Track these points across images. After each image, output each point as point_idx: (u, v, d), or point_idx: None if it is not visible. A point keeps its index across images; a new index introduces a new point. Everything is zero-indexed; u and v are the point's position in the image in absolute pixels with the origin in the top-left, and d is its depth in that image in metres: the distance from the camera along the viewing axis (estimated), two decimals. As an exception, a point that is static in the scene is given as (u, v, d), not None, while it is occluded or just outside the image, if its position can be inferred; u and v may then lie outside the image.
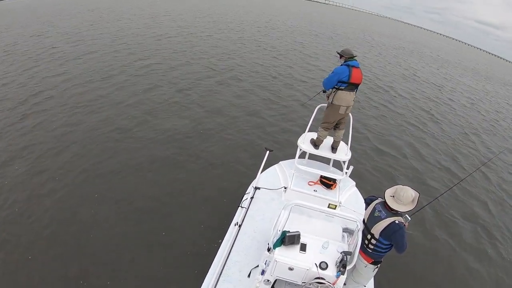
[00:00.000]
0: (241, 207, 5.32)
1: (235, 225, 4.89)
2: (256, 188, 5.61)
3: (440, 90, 19.68)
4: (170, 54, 16.85)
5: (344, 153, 5.78)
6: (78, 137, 8.63)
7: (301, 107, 11.62)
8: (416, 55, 33.99)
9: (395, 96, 16.05)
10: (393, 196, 3.64)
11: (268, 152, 6.46)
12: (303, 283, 3.39)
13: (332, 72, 5.22)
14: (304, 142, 5.83)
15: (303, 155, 6.02)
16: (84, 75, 12.87)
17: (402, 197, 3.55)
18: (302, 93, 13.96)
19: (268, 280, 3.57)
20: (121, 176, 7.30)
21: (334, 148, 5.84)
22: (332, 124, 5.64)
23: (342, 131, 5.81)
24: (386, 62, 24.79)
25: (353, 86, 5.20)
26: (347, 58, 5.22)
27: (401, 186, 3.69)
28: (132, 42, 18.23)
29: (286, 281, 3.61)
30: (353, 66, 5.12)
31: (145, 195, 6.81)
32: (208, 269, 4.26)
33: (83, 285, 4.92)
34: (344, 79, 5.09)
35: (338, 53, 5.44)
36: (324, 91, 5.66)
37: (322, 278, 3.26)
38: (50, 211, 6.21)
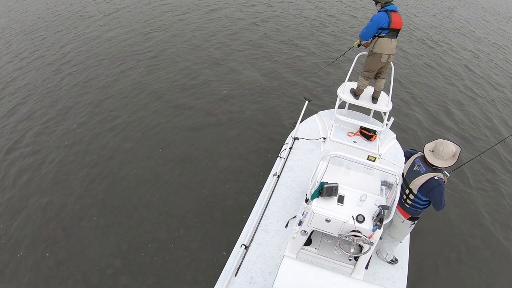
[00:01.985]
0: (280, 157, 5.36)
1: (273, 175, 4.98)
2: (295, 139, 5.60)
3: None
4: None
5: (385, 103, 5.59)
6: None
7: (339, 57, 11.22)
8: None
9: (445, 51, 14.62)
10: (433, 151, 3.51)
11: (307, 102, 6.36)
12: (339, 235, 3.47)
13: (371, 21, 4.98)
14: (344, 91, 5.66)
15: (342, 105, 5.88)
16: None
17: (442, 152, 3.40)
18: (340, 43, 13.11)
19: (305, 231, 3.67)
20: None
21: (374, 99, 5.67)
22: (373, 73, 5.43)
23: (383, 81, 5.60)
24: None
25: (394, 32, 4.97)
26: (384, 3, 4.94)
27: (442, 140, 3.52)
28: None
29: (322, 233, 3.69)
30: (392, 11, 4.87)
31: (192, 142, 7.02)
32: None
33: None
34: (384, 25, 4.86)
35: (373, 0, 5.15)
36: (359, 45, 5.47)
37: (358, 231, 3.33)
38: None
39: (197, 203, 5.79)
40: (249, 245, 4.06)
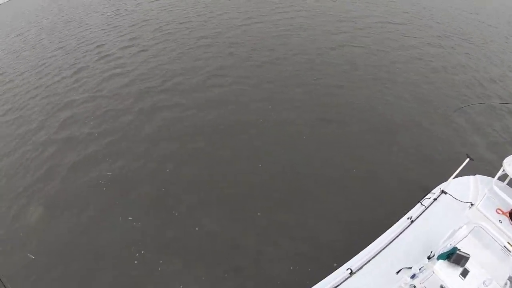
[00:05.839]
0: (421, 204, 5.35)
1: (408, 218, 5.07)
2: (443, 192, 5.46)
3: None
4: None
5: None
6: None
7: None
8: None
9: None
10: None
11: (468, 159, 6.08)
12: None
13: None
14: (510, 164, 5.35)
15: (503, 177, 5.56)
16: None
17: None
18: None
19: (414, 286, 3.71)
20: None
21: None
22: None
23: None
24: None
25: None
26: None
27: None
28: None
29: None
30: None
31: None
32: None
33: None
34: None
35: None
36: None
37: None
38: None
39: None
40: (355, 272, 4.24)
